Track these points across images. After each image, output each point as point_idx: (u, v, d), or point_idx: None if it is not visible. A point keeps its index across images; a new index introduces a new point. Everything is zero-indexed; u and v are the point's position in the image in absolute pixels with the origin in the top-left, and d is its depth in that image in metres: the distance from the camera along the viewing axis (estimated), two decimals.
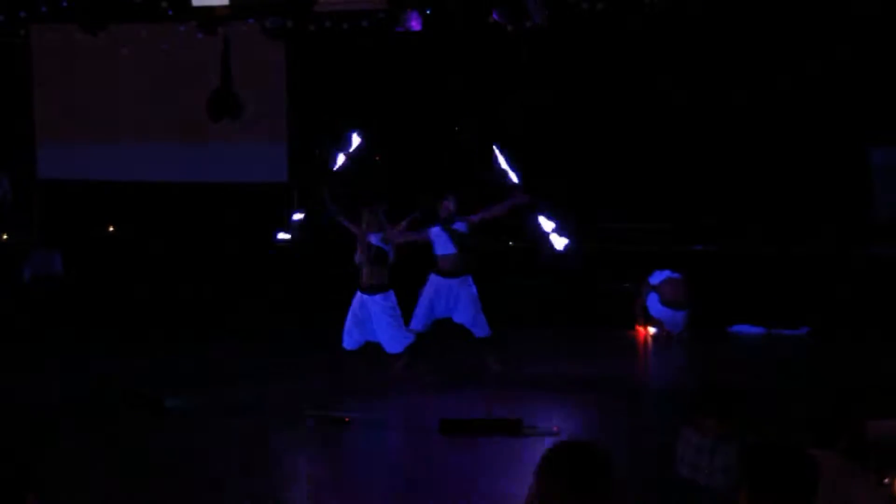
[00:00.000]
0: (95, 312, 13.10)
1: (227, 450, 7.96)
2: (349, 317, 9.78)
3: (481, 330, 10.32)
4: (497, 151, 10.27)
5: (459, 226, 10.23)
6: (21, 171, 15.26)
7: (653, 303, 12.35)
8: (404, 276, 10.11)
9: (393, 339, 9.63)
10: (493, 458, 7.75)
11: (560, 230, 10.02)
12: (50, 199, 15.58)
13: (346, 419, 8.50)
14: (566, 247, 9.96)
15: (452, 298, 10.25)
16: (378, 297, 9.62)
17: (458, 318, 10.30)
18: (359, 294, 9.74)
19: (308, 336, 12.14)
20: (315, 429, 8.30)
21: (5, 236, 12.00)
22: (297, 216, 11.83)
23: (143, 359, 11.04)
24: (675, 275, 12.35)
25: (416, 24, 12.33)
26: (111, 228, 13.27)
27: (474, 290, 10.30)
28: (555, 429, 8.24)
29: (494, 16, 11.94)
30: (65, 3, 12.49)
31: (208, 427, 8.51)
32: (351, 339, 9.79)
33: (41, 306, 12.90)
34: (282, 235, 12.21)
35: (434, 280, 10.29)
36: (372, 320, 9.65)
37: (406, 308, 10.08)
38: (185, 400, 9.13)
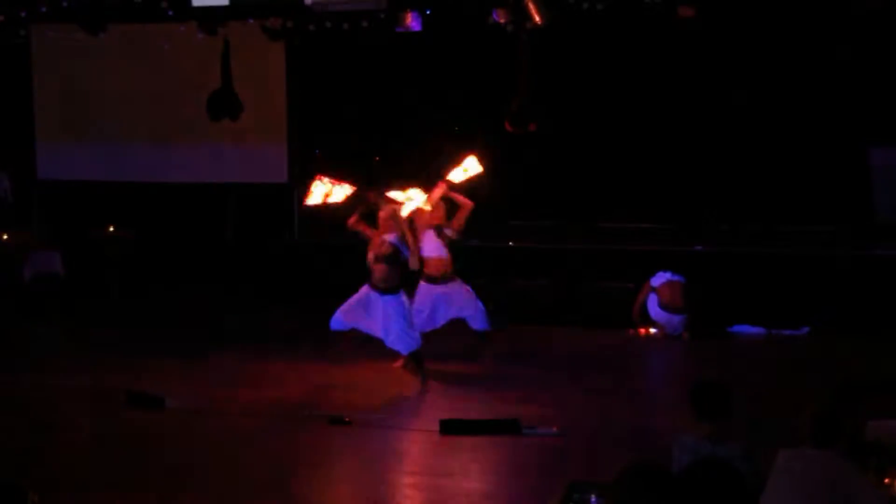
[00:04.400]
0: (95, 312, 13.10)
1: (228, 449, 7.96)
2: (350, 304, 9.66)
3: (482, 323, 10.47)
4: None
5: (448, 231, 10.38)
6: (21, 171, 15.26)
7: (652, 304, 12.36)
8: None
9: (401, 340, 9.60)
10: (492, 458, 7.76)
11: None
12: (50, 199, 15.59)
13: (347, 419, 8.50)
14: None
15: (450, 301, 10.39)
16: (391, 298, 9.56)
17: (462, 313, 10.45)
18: (369, 291, 9.66)
19: (308, 336, 12.14)
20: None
21: (5, 236, 11.99)
22: None
23: (144, 358, 11.03)
24: (677, 277, 12.34)
25: (415, 24, 12.33)
26: (111, 228, 13.26)
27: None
28: (554, 429, 8.25)
29: (494, 16, 11.94)
30: (65, 3, 12.48)
31: (209, 427, 8.52)
32: (341, 323, 9.74)
33: (41, 306, 12.90)
34: None
35: (426, 287, 10.39)
36: (379, 318, 9.59)
37: None
38: (186, 399, 9.13)
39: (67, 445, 8.02)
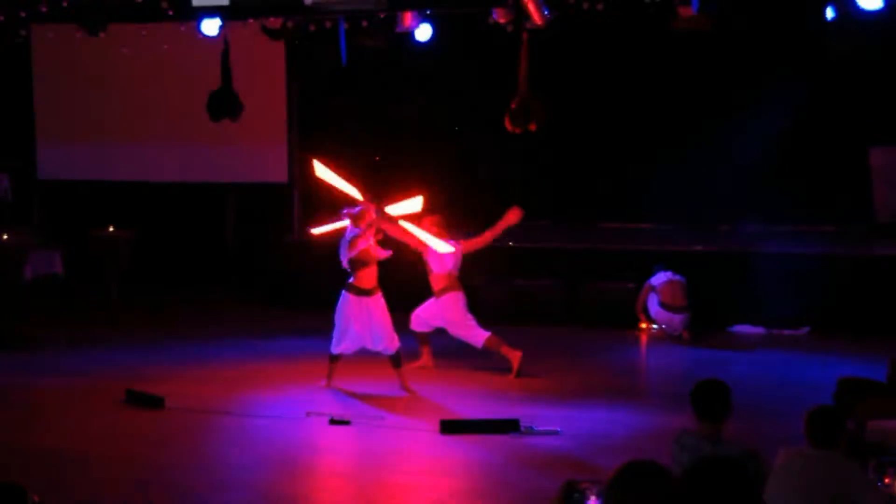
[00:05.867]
0: (95, 312, 13.09)
1: (228, 449, 7.96)
2: (346, 322, 9.56)
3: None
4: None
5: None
6: (21, 171, 15.26)
7: (652, 303, 12.36)
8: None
9: (392, 338, 9.59)
10: (492, 458, 7.75)
11: None
12: (50, 199, 15.60)
13: (347, 419, 8.50)
14: None
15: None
16: (378, 297, 9.55)
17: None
18: (355, 298, 9.61)
19: (308, 336, 12.13)
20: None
21: (5, 236, 11.97)
22: None
23: (144, 358, 11.03)
24: (677, 277, 12.33)
25: (416, 24, 12.32)
26: (111, 228, 13.25)
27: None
28: (554, 429, 8.25)
29: (494, 16, 11.93)
30: (65, 3, 12.48)
31: (209, 427, 8.52)
32: (346, 345, 9.67)
33: (41, 306, 12.89)
34: None
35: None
36: (369, 323, 9.53)
37: None
38: (186, 399, 9.13)
39: (67, 445, 8.02)
